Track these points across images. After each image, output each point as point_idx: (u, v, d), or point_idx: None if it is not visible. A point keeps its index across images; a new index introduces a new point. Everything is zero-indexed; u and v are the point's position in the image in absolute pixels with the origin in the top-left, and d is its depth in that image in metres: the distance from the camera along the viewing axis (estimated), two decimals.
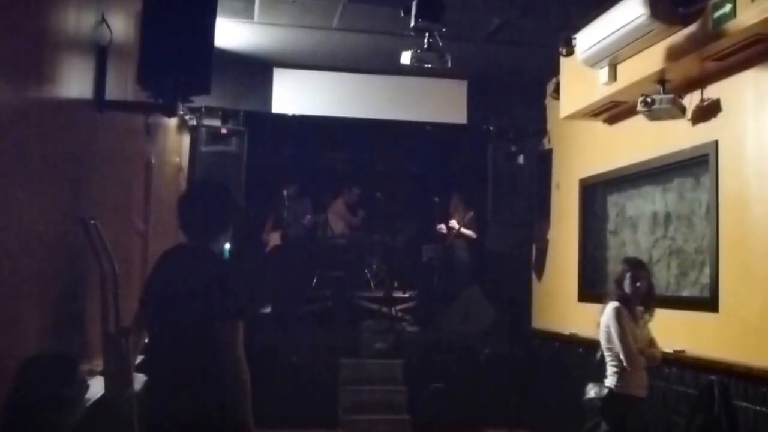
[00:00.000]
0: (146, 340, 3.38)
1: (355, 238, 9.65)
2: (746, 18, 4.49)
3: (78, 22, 3.40)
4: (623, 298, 4.69)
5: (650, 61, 5.43)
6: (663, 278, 6.06)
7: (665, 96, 5.47)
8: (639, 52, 5.50)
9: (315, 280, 9.20)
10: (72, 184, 3.36)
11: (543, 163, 8.46)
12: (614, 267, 7.06)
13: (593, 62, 5.92)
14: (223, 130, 8.06)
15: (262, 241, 9.21)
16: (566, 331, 7.39)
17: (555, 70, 7.13)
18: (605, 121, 6.89)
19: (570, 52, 6.39)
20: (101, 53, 3.70)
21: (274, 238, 9.13)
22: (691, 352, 5.29)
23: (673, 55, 5.19)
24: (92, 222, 3.41)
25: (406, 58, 5.67)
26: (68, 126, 3.27)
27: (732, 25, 4.62)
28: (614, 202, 7.16)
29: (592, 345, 6.55)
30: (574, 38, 6.19)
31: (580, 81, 6.52)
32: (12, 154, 2.51)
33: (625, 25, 5.26)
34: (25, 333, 2.77)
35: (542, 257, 8.44)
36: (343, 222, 9.81)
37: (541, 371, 7.93)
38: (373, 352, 8.01)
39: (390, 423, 7.54)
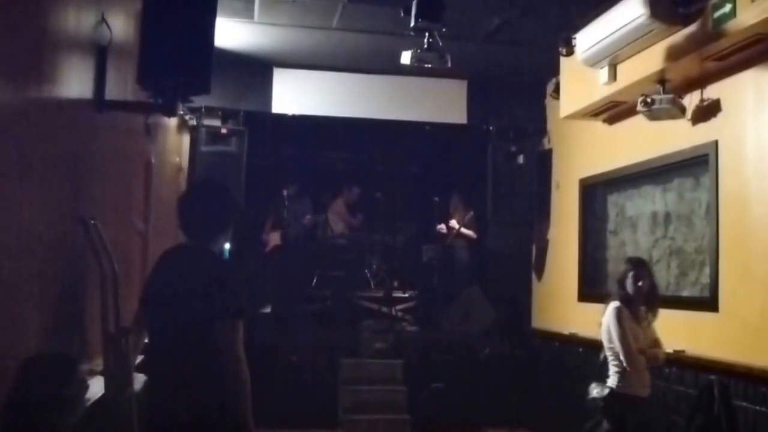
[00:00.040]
0: (146, 340, 3.38)
1: (355, 238, 9.65)
2: (746, 18, 4.49)
3: (78, 22, 3.40)
4: (625, 298, 4.68)
5: (650, 61, 5.43)
6: (663, 278, 6.05)
7: (665, 96, 5.47)
8: (639, 52, 5.50)
9: (315, 280, 9.20)
10: (72, 184, 3.36)
11: (543, 163, 8.46)
12: (614, 267, 7.06)
13: (593, 62, 5.92)
14: (223, 130, 8.07)
15: (262, 241, 9.21)
16: (566, 331, 7.39)
17: (555, 70, 7.14)
18: (605, 121, 6.89)
19: (570, 52, 6.39)
20: (101, 53, 3.70)
21: (274, 238, 9.13)
22: (691, 352, 5.29)
23: (673, 55, 5.19)
24: (92, 222, 3.41)
25: (406, 58, 5.67)
26: (68, 126, 3.27)
27: (732, 25, 4.62)
28: (614, 202, 7.16)
29: (592, 345, 6.56)
30: (574, 38, 6.19)
31: (580, 81, 6.53)
32: (12, 154, 2.52)
33: (625, 25, 5.26)
34: (25, 333, 2.77)
35: (542, 257, 8.44)
36: (343, 222, 9.81)
37: (541, 371, 7.93)
38: (373, 351, 8.01)
39: (390, 423, 7.54)
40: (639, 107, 5.55)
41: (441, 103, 8.69)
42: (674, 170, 6.07)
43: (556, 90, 7.24)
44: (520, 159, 8.62)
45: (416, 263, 9.55)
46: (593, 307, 6.76)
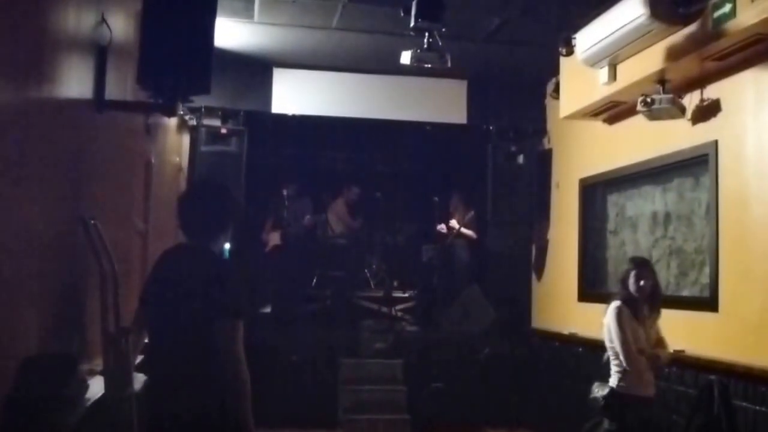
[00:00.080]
0: (146, 340, 3.38)
1: (355, 238, 9.64)
2: (746, 18, 4.49)
3: (78, 22, 3.40)
4: (627, 298, 4.66)
5: (650, 61, 5.43)
6: (663, 278, 6.04)
7: (665, 96, 5.47)
8: (639, 52, 5.50)
9: (315, 280, 9.20)
10: (72, 184, 3.36)
11: (543, 162, 8.46)
12: (614, 267, 7.07)
13: (593, 62, 5.92)
14: (223, 130, 8.06)
15: (262, 241, 9.21)
16: (566, 331, 7.39)
17: (555, 70, 7.14)
18: (605, 120, 6.89)
19: (570, 52, 6.39)
20: (101, 53, 3.71)
21: (274, 238, 9.13)
22: (691, 351, 5.29)
23: (673, 55, 5.19)
24: (92, 222, 3.41)
25: (406, 58, 5.67)
26: (68, 126, 3.27)
27: (732, 25, 4.62)
28: (614, 201, 7.16)
29: (592, 345, 6.57)
30: (574, 38, 6.19)
31: (579, 81, 6.53)
32: (12, 154, 2.52)
33: (625, 24, 5.26)
34: (25, 333, 2.77)
35: (542, 257, 8.44)
36: (343, 222, 9.81)
37: (541, 371, 7.93)
38: (373, 351, 8.01)
39: (390, 423, 7.54)
40: (639, 107, 5.55)
41: (441, 103, 8.68)
42: (674, 170, 6.07)
43: (556, 90, 7.24)
44: (520, 159, 8.62)
45: (416, 263, 9.56)
46: (593, 307, 6.77)
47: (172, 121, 6.86)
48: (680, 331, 5.38)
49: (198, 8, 3.73)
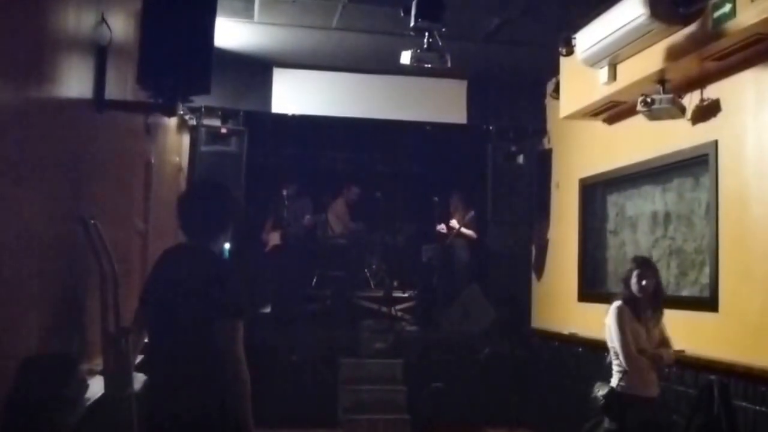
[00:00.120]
0: (146, 340, 3.38)
1: (355, 238, 9.64)
2: (746, 18, 4.49)
3: (78, 22, 3.40)
4: (629, 298, 4.64)
5: (650, 60, 5.43)
6: (663, 278, 6.03)
7: (665, 96, 5.47)
8: (639, 51, 5.50)
9: (315, 280, 9.20)
10: (72, 184, 3.36)
11: (543, 162, 8.46)
12: (614, 267, 7.07)
13: (593, 62, 5.93)
14: (223, 130, 8.06)
15: (262, 241, 9.21)
16: (566, 331, 7.39)
17: (555, 70, 7.14)
18: (605, 120, 6.89)
19: (570, 52, 6.39)
20: (101, 53, 3.71)
21: (274, 238, 9.13)
22: (691, 351, 5.28)
23: (673, 54, 5.19)
24: (92, 222, 3.41)
25: (406, 58, 5.66)
26: (68, 126, 3.27)
27: (732, 25, 4.62)
28: (614, 201, 7.16)
29: (592, 345, 6.57)
30: (574, 38, 6.19)
31: (579, 81, 6.53)
32: (12, 154, 2.52)
33: (625, 24, 5.26)
34: (25, 333, 2.77)
35: (542, 257, 8.44)
36: (343, 223, 9.81)
37: (541, 371, 7.93)
38: (373, 351, 8.01)
39: (390, 423, 7.54)
40: (639, 107, 5.55)
41: (441, 103, 8.68)
42: (674, 170, 6.07)
43: (556, 90, 7.24)
44: (520, 159, 8.62)
45: (416, 263, 9.55)
46: (593, 307, 6.77)
47: (172, 121, 6.86)
48: (680, 331, 5.37)
49: (198, 8, 3.73)
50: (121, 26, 4.20)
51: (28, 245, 2.71)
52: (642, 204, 6.64)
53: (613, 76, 5.85)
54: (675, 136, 5.77)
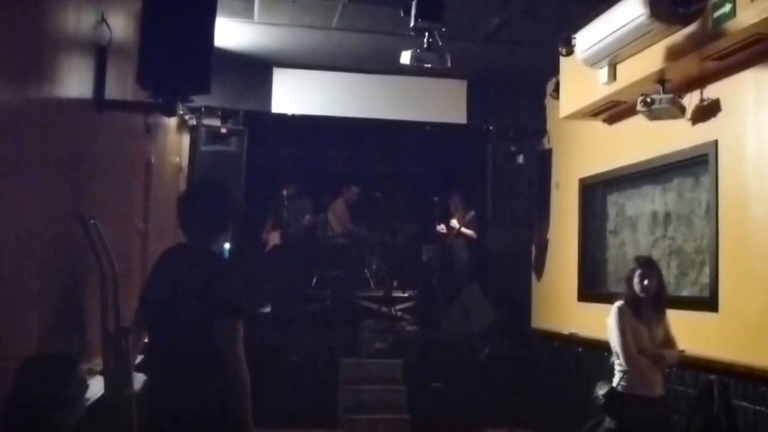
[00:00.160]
0: (146, 340, 3.38)
1: (355, 238, 9.65)
2: (746, 18, 4.49)
3: (78, 22, 3.40)
4: (631, 297, 4.63)
5: (650, 60, 5.43)
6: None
7: (665, 96, 5.47)
8: (639, 51, 5.50)
9: (315, 280, 9.20)
10: (72, 184, 3.36)
11: (543, 162, 8.46)
12: (614, 267, 7.08)
13: (593, 62, 5.93)
14: (223, 130, 8.06)
15: (262, 241, 9.21)
16: (566, 331, 7.39)
17: (555, 70, 7.14)
18: (605, 120, 6.90)
19: (570, 52, 6.39)
20: (101, 53, 3.71)
21: (274, 238, 9.13)
22: (691, 351, 5.28)
23: (673, 54, 5.19)
24: (92, 222, 3.41)
25: (405, 58, 5.66)
26: (68, 126, 3.27)
27: (732, 25, 4.62)
28: (614, 201, 7.16)
29: (592, 345, 6.57)
30: (574, 38, 6.19)
31: (579, 81, 6.53)
32: (12, 154, 2.52)
33: (625, 24, 5.26)
34: (25, 333, 2.77)
35: (542, 257, 8.44)
36: (342, 223, 9.81)
37: (541, 371, 7.93)
38: (373, 351, 8.01)
39: (390, 423, 7.54)
40: (639, 107, 5.55)
41: (441, 103, 8.68)
42: (674, 170, 6.07)
43: (556, 90, 7.25)
44: (520, 159, 8.61)
45: (416, 263, 9.55)
46: (593, 307, 6.78)
47: (172, 121, 6.86)
48: (680, 331, 5.36)
49: (198, 8, 3.73)
50: (121, 26, 4.20)
51: (28, 245, 2.71)
52: (642, 204, 6.64)
53: (613, 76, 5.85)
54: (675, 136, 5.77)
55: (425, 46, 5.55)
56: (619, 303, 4.64)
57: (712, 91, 5.42)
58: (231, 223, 3.45)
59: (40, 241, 2.88)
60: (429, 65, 5.68)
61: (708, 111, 5.44)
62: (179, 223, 3.39)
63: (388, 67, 7.34)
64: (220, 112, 8.04)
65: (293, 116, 8.50)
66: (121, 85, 4.19)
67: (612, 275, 7.12)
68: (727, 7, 4.61)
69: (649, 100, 5.47)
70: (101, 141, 3.89)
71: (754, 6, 4.42)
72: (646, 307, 4.62)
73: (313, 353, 7.90)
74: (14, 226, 2.56)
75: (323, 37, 7.29)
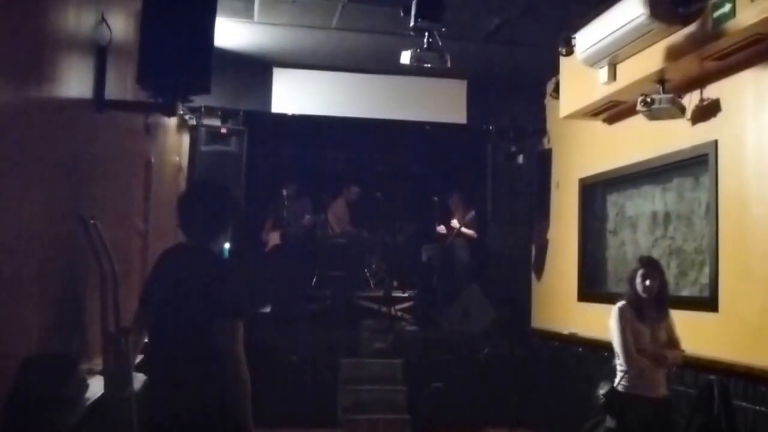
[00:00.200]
0: (146, 340, 3.38)
1: (355, 238, 9.65)
2: (746, 18, 4.49)
3: (78, 22, 3.40)
4: (633, 298, 4.63)
5: (650, 60, 5.43)
6: None
7: (665, 96, 5.47)
8: (639, 51, 5.50)
9: (315, 280, 9.20)
10: (72, 184, 3.36)
11: (543, 162, 8.47)
12: (614, 267, 7.08)
13: (593, 62, 5.93)
14: (223, 130, 8.07)
15: (262, 241, 9.21)
16: (566, 331, 7.39)
17: (555, 70, 7.14)
18: (605, 120, 6.90)
19: (570, 52, 6.39)
20: (101, 53, 3.71)
21: (274, 238, 9.13)
22: (691, 352, 5.27)
23: (673, 54, 5.19)
24: (92, 222, 3.41)
25: (405, 57, 5.66)
26: (68, 126, 3.27)
27: (731, 25, 4.62)
28: (614, 201, 7.16)
29: (592, 345, 6.57)
30: (574, 38, 6.19)
31: (579, 81, 6.53)
32: (12, 154, 2.52)
33: (625, 24, 5.26)
34: (25, 333, 2.77)
35: (542, 257, 8.44)
36: (342, 223, 9.81)
37: (541, 371, 7.93)
38: (373, 351, 8.01)
39: (390, 423, 7.54)
40: (639, 107, 5.55)
41: (441, 103, 8.69)
42: (674, 170, 6.08)
43: (556, 90, 7.24)
44: (520, 159, 8.62)
45: (416, 263, 9.55)
46: (593, 307, 6.78)
47: (172, 121, 6.86)
48: (680, 331, 5.37)
49: (198, 8, 3.73)
50: (121, 26, 4.20)
51: (28, 245, 2.71)
52: (642, 204, 6.64)
53: (612, 76, 5.85)
54: (675, 136, 5.77)
55: (425, 46, 5.55)
56: (620, 303, 4.64)
57: (712, 91, 5.42)
58: (231, 223, 3.45)
59: (40, 241, 2.88)
60: (429, 65, 5.69)
61: (708, 111, 5.44)
62: (179, 223, 3.39)
63: (388, 67, 7.34)
64: (220, 112, 8.04)
65: (293, 116, 8.50)
66: (121, 85, 4.19)
67: (612, 275, 7.12)
68: (727, 7, 4.62)
69: (649, 100, 5.47)
70: (101, 141, 3.89)
71: (754, 6, 4.42)
72: (648, 308, 4.62)
73: (313, 353, 7.89)
74: (14, 226, 2.56)
75: (323, 37, 7.29)
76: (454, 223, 8.96)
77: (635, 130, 6.37)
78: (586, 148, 7.46)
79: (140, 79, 3.76)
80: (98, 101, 3.71)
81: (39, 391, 2.62)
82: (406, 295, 9.23)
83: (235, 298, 3.12)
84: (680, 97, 5.54)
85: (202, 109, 7.81)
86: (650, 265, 4.68)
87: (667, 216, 6.22)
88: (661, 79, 5.50)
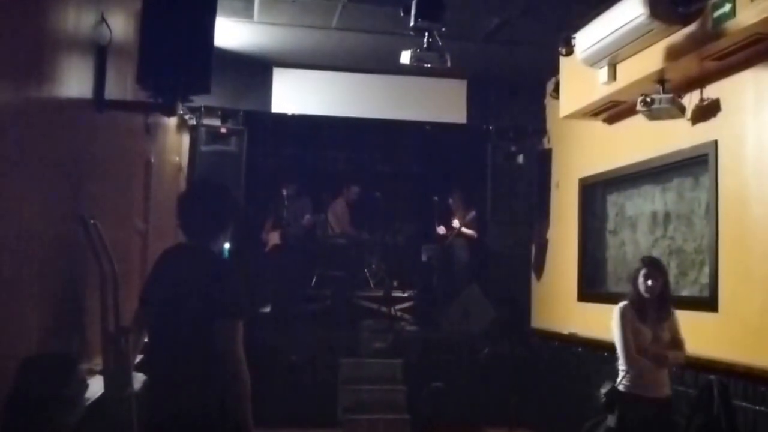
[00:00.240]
0: (146, 340, 3.38)
1: (355, 238, 9.65)
2: (746, 17, 4.49)
3: (78, 22, 3.40)
4: (635, 297, 4.62)
5: (650, 60, 5.43)
6: None
7: (665, 95, 5.47)
8: (638, 51, 5.50)
9: (314, 280, 9.20)
10: (72, 184, 3.36)
11: (542, 162, 8.47)
12: (614, 267, 7.08)
13: (593, 62, 5.92)
14: (223, 130, 8.07)
15: (262, 241, 9.21)
16: (566, 331, 7.39)
17: (555, 70, 7.14)
18: (605, 120, 6.90)
19: (569, 52, 6.39)
20: (101, 53, 3.71)
21: (274, 238, 9.13)
22: (691, 351, 5.26)
23: (673, 54, 5.19)
24: (92, 222, 3.41)
25: (405, 57, 5.66)
26: (68, 126, 3.27)
27: (731, 25, 4.62)
28: (614, 201, 7.16)
29: (592, 345, 6.57)
30: (574, 38, 6.19)
31: (579, 80, 6.53)
32: (12, 154, 2.52)
33: (625, 24, 5.26)
34: (25, 333, 2.77)
35: (542, 256, 8.44)
36: (342, 223, 9.81)
37: (541, 371, 7.93)
38: (373, 351, 8.01)
39: (390, 423, 7.54)
40: (639, 107, 5.55)
41: (441, 103, 8.69)
42: (674, 170, 6.07)
43: (556, 90, 7.24)
44: (520, 159, 8.62)
45: (416, 263, 9.55)
46: (593, 307, 6.78)
47: (172, 121, 6.86)
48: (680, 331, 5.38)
49: (198, 8, 3.73)
50: (121, 26, 4.20)
51: (28, 245, 2.71)
52: (642, 204, 6.64)
53: (612, 75, 5.85)
54: (675, 136, 5.77)
55: (425, 45, 5.55)
56: (622, 303, 4.63)
57: (711, 91, 5.42)
58: (231, 223, 3.45)
59: (40, 241, 2.88)
60: (429, 65, 5.69)
61: (708, 111, 5.44)
62: (179, 223, 3.39)
63: (388, 67, 7.34)
64: (220, 112, 8.05)
65: (293, 116, 8.50)
66: (121, 85, 4.19)
67: (612, 275, 7.12)
68: (727, 7, 4.62)
69: (649, 100, 5.47)
70: (101, 141, 3.89)
71: (754, 6, 4.42)
72: (650, 308, 4.61)
73: (313, 353, 7.90)
74: (14, 226, 2.55)
75: (323, 37, 7.29)
76: (454, 223, 8.96)
77: (635, 130, 6.37)
78: (586, 148, 7.46)
79: (140, 79, 3.76)
80: (98, 101, 3.70)
81: (39, 391, 2.62)
82: (406, 295, 9.23)
83: (235, 298, 3.12)
84: (680, 97, 5.54)
85: (202, 109, 7.81)
86: (653, 265, 4.67)
87: (667, 216, 6.22)
88: (661, 79, 5.50)
